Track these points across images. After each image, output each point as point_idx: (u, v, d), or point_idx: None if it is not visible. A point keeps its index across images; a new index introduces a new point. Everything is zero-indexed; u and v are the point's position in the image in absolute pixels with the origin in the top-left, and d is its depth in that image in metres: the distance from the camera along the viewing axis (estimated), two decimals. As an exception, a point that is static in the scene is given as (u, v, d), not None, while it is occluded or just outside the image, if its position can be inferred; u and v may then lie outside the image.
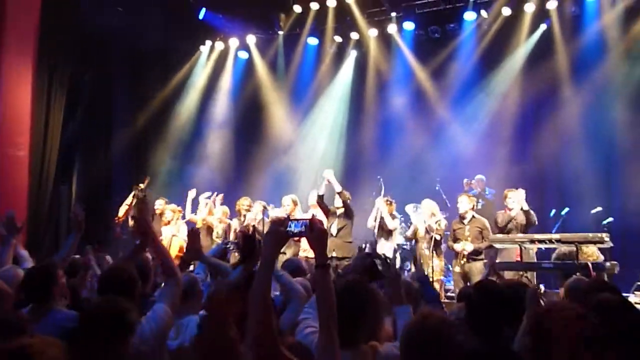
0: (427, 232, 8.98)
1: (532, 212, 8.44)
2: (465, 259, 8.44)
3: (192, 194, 10.41)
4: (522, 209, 8.43)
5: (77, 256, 5.20)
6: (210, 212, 10.12)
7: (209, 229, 10.10)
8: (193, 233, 4.89)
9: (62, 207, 11.07)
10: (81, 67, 10.65)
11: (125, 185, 12.38)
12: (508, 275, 7.65)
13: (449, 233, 9.09)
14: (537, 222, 8.47)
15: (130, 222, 9.95)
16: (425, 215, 9.06)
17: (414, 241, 9.25)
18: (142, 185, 10.33)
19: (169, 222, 9.98)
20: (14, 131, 9.45)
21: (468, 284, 7.82)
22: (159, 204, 10.44)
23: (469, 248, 8.39)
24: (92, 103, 11.69)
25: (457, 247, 8.59)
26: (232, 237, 9.71)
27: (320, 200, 9.03)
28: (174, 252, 9.06)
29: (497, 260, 8.09)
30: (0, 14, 9.42)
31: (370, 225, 9.33)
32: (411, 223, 9.51)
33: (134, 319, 2.83)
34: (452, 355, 2.30)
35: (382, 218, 9.17)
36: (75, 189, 11.91)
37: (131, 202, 10.19)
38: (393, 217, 9.36)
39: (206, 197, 10.24)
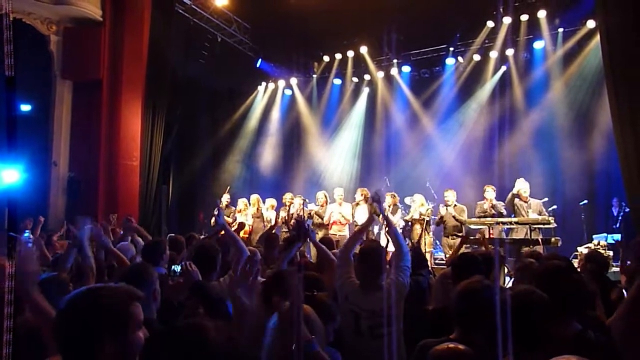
0: (419, 216, 8.94)
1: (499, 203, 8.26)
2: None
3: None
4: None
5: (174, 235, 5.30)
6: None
7: (261, 218, 9.70)
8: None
9: (162, 201, 11.24)
10: (174, 102, 10.80)
11: (206, 183, 12.63)
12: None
13: (435, 217, 9.00)
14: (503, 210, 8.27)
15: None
16: (417, 204, 9.03)
17: (410, 223, 9.17)
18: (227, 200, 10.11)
19: (240, 211, 9.79)
20: (129, 148, 9.61)
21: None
22: (226, 199, 10.03)
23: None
24: (182, 127, 11.85)
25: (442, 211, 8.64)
26: (279, 222, 9.13)
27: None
28: (244, 234, 8.74)
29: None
30: (120, 68, 9.71)
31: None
32: (409, 210, 9.44)
33: None
34: None
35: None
36: (172, 187, 12.06)
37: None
38: (397, 207, 9.22)
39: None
